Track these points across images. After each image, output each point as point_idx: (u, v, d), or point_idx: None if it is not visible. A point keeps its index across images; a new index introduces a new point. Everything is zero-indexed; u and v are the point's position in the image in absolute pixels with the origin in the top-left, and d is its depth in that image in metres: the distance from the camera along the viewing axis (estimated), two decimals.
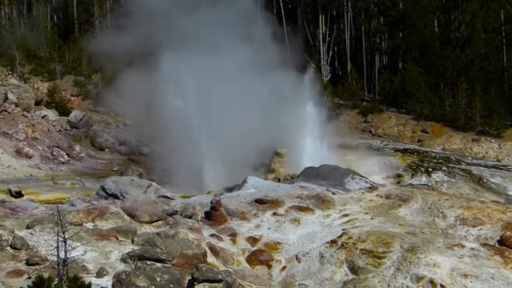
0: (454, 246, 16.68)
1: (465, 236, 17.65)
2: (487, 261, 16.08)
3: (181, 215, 19.21)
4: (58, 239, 13.20)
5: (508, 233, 17.38)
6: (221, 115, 29.59)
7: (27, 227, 17.01)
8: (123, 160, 35.95)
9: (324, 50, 54.02)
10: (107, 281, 14.30)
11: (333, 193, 21.79)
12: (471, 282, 15.11)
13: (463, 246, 16.69)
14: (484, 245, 16.94)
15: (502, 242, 17.13)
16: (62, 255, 13.24)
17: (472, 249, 16.60)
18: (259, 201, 20.18)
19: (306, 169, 26.58)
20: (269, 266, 17.28)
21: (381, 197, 20.65)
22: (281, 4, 55.30)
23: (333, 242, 17.31)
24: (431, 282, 15.17)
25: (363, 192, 21.38)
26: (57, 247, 13.21)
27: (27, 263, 14.90)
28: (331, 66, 54.31)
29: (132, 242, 16.72)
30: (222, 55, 30.92)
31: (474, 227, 18.06)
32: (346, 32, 54.35)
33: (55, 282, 11.83)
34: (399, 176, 33.01)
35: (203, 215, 19.20)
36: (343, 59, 54.63)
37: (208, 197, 21.85)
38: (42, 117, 37.82)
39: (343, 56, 54.55)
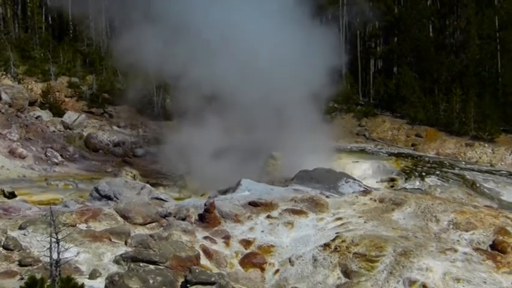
0: (447, 251, 16.71)
1: (458, 241, 17.66)
2: (480, 266, 16.11)
3: (175, 217, 19.18)
4: (51, 239, 13.17)
5: (501, 237, 17.41)
6: None
7: (20, 228, 16.96)
8: (117, 162, 35.91)
9: None
10: (100, 282, 14.26)
11: (326, 196, 21.78)
12: (463, 286, 15.14)
13: (455, 251, 16.73)
14: (476, 249, 16.98)
15: (494, 246, 17.15)
16: (54, 256, 13.21)
17: (465, 253, 16.64)
18: (253, 204, 20.15)
19: (300, 172, 26.58)
20: (262, 269, 17.27)
21: (375, 200, 20.65)
22: None
23: (326, 245, 17.32)
24: (424, 286, 15.20)
25: (356, 196, 21.38)
26: (50, 248, 13.18)
27: (20, 264, 14.86)
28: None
29: (126, 243, 16.69)
30: None
31: (467, 231, 18.07)
32: (341, 37, 54.39)
33: (47, 283, 11.79)
34: (393, 180, 33.11)
35: (197, 217, 19.18)
36: (337, 63, 54.63)
37: (202, 200, 21.83)
38: (36, 118, 37.80)
39: (338, 60, 54.55)
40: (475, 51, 47.95)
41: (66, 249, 13.96)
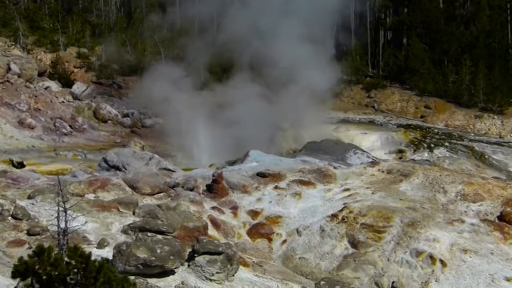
0: (454, 222, 16.71)
1: (465, 212, 17.66)
2: (487, 237, 16.11)
3: (183, 187, 19.23)
4: (59, 209, 13.19)
5: (508, 209, 17.40)
6: None
7: (29, 197, 17.04)
8: (125, 132, 36.00)
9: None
10: (108, 251, 14.26)
11: (334, 167, 21.81)
12: (470, 257, 15.13)
13: (463, 222, 16.72)
14: (484, 220, 16.96)
15: (502, 217, 17.16)
16: (62, 225, 13.24)
17: (472, 224, 16.63)
18: (261, 175, 20.19)
19: (308, 143, 26.64)
20: (270, 239, 17.32)
21: (383, 172, 20.65)
22: None
23: (333, 216, 17.34)
24: (431, 257, 15.20)
25: (364, 167, 21.39)
26: (58, 217, 13.19)
27: (28, 233, 14.90)
28: (335, 41, 54.01)
29: (134, 213, 16.73)
30: None
31: (474, 202, 18.08)
32: (351, 7, 54.02)
33: (55, 252, 11.85)
34: (401, 151, 33.16)
35: (205, 188, 19.24)
36: (347, 34, 54.35)
37: (210, 170, 21.87)
38: (45, 88, 37.80)
39: (348, 31, 54.25)
40: (485, 22, 47.61)
41: (74, 219, 13.93)
